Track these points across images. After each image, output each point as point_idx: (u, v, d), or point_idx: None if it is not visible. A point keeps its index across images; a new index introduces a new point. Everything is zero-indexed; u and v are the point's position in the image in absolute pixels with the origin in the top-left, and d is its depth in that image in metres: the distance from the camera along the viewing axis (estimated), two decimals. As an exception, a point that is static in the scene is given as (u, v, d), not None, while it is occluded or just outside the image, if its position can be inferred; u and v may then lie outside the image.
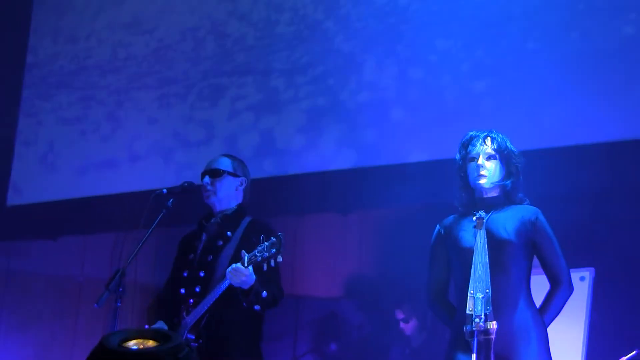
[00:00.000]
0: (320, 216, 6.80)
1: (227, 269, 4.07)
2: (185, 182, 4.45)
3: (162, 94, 7.05)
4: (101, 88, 7.38)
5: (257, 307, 4.18)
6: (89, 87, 7.45)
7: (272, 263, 4.00)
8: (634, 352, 5.16)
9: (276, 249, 3.97)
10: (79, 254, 7.79)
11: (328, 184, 6.09)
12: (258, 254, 4.01)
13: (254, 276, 4.06)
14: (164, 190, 4.33)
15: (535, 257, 3.84)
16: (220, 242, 4.36)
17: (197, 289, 4.28)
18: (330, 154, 6.13)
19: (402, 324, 6.06)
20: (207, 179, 4.43)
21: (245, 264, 4.02)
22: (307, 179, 6.14)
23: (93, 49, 7.57)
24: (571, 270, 3.91)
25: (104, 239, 7.30)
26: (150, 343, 2.36)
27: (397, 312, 6.07)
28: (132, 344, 2.36)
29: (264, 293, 4.13)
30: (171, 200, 4.32)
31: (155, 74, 7.14)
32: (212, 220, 4.45)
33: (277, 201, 6.31)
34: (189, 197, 4.46)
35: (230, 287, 4.11)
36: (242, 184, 4.50)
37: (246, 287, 4.07)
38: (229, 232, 4.37)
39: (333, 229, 6.88)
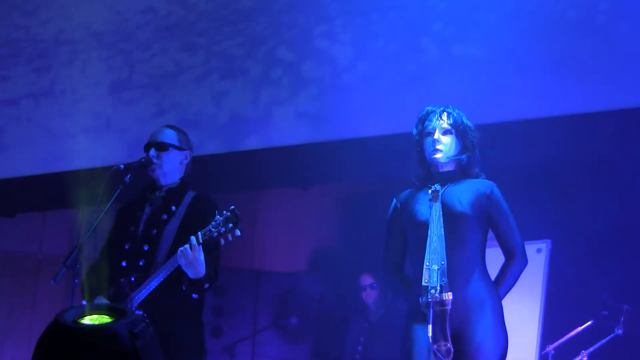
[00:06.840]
0: (280, 191, 6.81)
1: (179, 249, 4.03)
2: (143, 158, 4.42)
3: (118, 68, 6.98)
4: (55, 62, 7.28)
5: (195, 295, 4.20)
6: (42, 60, 7.35)
7: (230, 237, 3.99)
8: (589, 323, 5.26)
9: (233, 223, 3.96)
10: (37, 231, 7.74)
11: (287, 158, 6.08)
12: (213, 230, 3.99)
13: (204, 270, 4.04)
14: (121, 166, 4.30)
15: (490, 230, 3.88)
16: (165, 216, 4.32)
17: (141, 263, 4.23)
18: (289, 128, 6.11)
19: (367, 291, 6.00)
20: (153, 151, 4.39)
21: (201, 240, 4.01)
22: (266, 153, 6.12)
23: (44, 21, 7.46)
24: (528, 242, 3.96)
25: (62, 215, 7.26)
26: (105, 318, 2.37)
27: (362, 279, 6.02)
28: (87, 319, 2.37)
29: (207, 285, 4.12)
30: (129, 175, 4.29)
31: (111, 45, 7.06)
32: (157, 194, 4.40)
33: (236, 177, 6.29)
34: (147, 172, 4.44)
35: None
36: (186, 158, 4.48)
37: (194, 277, 4.05)
38: (173, 207, 4.34)
39: (293, 203, 6.90)
